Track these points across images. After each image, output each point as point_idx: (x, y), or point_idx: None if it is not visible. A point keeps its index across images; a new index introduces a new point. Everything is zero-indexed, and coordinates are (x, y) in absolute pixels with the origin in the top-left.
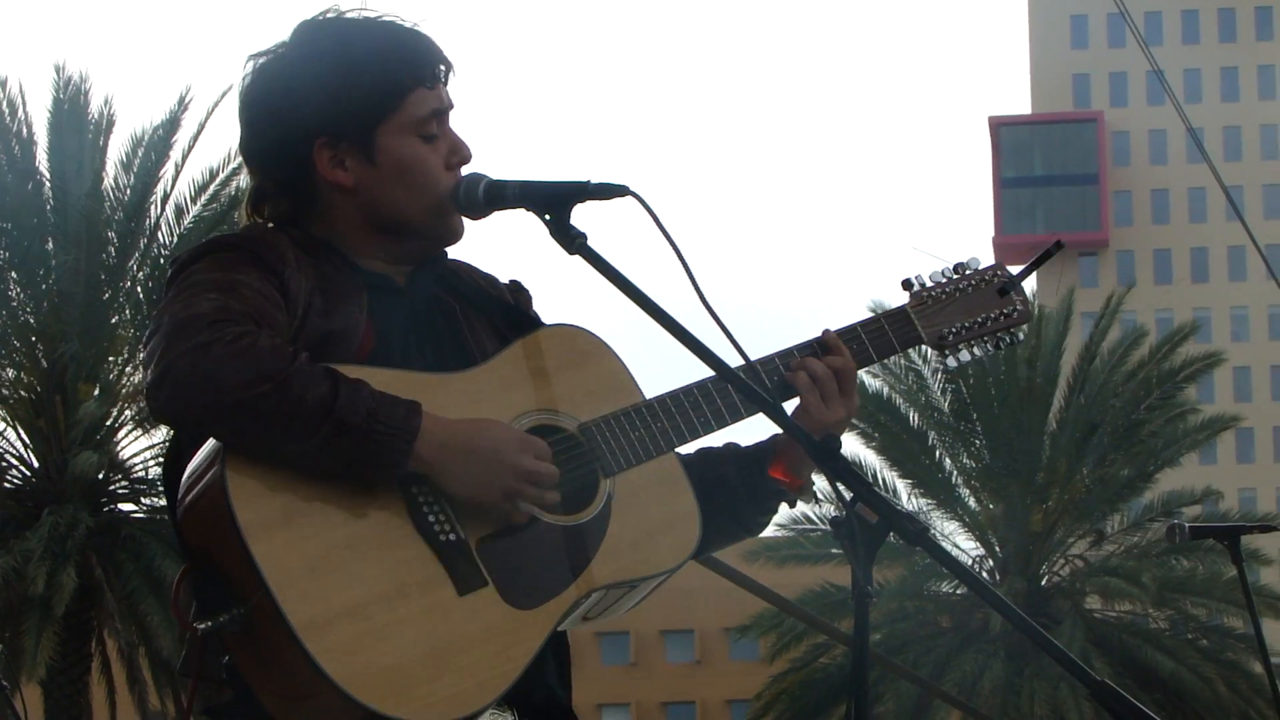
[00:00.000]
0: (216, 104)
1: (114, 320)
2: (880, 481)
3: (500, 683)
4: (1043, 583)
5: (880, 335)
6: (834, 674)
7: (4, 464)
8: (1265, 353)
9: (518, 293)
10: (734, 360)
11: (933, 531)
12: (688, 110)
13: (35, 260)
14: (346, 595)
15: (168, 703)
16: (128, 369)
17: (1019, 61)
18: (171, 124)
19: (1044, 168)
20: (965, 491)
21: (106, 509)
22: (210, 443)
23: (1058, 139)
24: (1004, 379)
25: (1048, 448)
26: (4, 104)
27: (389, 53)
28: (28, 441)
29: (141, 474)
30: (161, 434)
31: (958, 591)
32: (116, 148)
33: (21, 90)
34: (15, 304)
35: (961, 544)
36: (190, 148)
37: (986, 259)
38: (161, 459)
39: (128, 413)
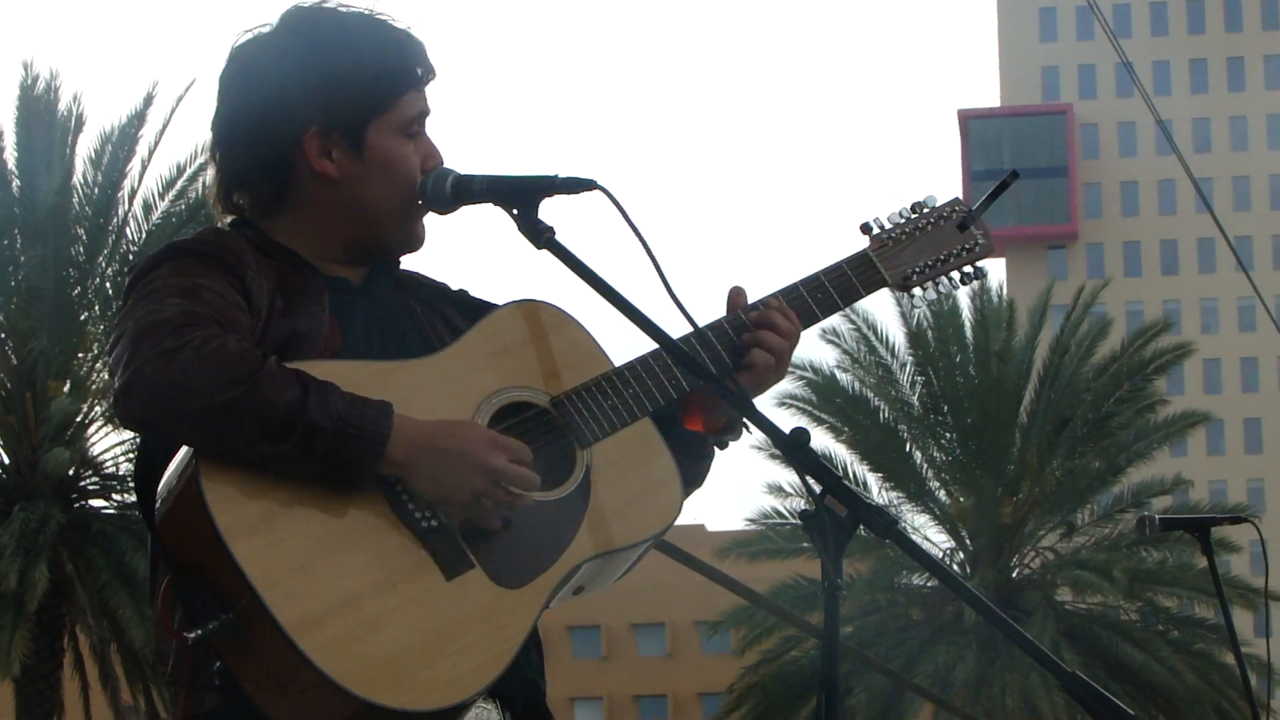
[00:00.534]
0: (181, 99)
1: (83, 317)
2: (851, 475)
3: (497, 663)
4: (1013, 575)
5: (844, 282)
6: (805, 667)
7: None
8: (1235, 345)
9: (465, 296)
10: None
11: (903, 524)
12: (656, 105)
13: (4, 257)
14: (334, 590)
15: (139, 698)
16: (98, 365)
17: (988, 54)
18: (138, 120)
19: (1013, 160)
20: (936, 484)
21: (77, 505)
22: (183, 450)
23: (1027, 132)
24: (974, 372)
25: (1018, 440)
26: None
27: (388, 51)
28: None
29: (112, 470)
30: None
31: (929, 584)
32: (85, 144)
33: None
34: None
35: (932, 537)
36: (156, 144)
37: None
38: (133, 454)
39: (98, 409)
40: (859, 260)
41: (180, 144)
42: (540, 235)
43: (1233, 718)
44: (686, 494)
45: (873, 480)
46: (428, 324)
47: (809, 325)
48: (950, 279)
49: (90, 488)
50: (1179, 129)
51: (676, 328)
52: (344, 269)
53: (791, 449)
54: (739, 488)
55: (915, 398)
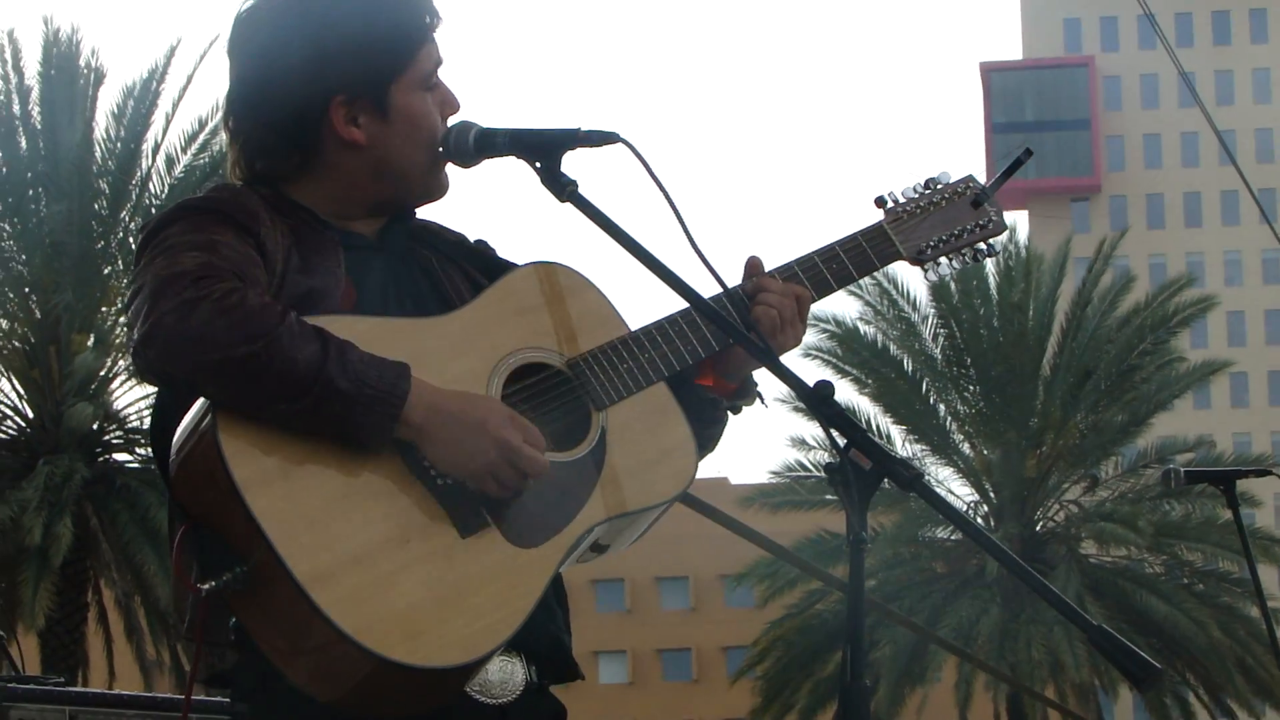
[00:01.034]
0: (204, 54)
1: (107, 271)
2: (875, 428)
3: (510, 622)
4: (1038, 528)
5: (859, 253)
6: (830, 620)
7: None
8: (1259, 297)
9: (485, 250)
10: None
11: (927, 477)
12: (679, 59)
13: (27, 212)
14: (349, 545)
15: (163, 652)
16: (121, 319)
17: (1010, 7)
18: (161, 74)
19: (1035, 113)
20: (960, 438)
21: (101, 459)
22: (200, 401)
23: (1049, 84)
24: (997, 325)
25: (1041, 393)
26: (6, 56)
27: (399, 7)
28: (22, 392)
29: (136, 424)
30: None
31: (953, 537)
32: (107, 99)
33: (14, 42)
34: (8, 255)
35: (956, 490)
36: (180, 98)
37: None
38: None
39: (122, 363)
40: (874, 232)
41: (203, 98)
42: (563, 189)
43: (1256, 672)
44: (700, 458)
45: (896, 433)
46: (445, 279)
47: (824, 295)
48: (963, 255)
49: (114, 442)
50: (1202, 81)
51: (700, 284)
52: (361, 224)
53: (816, 402)
54: (762, 441)
55: (939, 350)
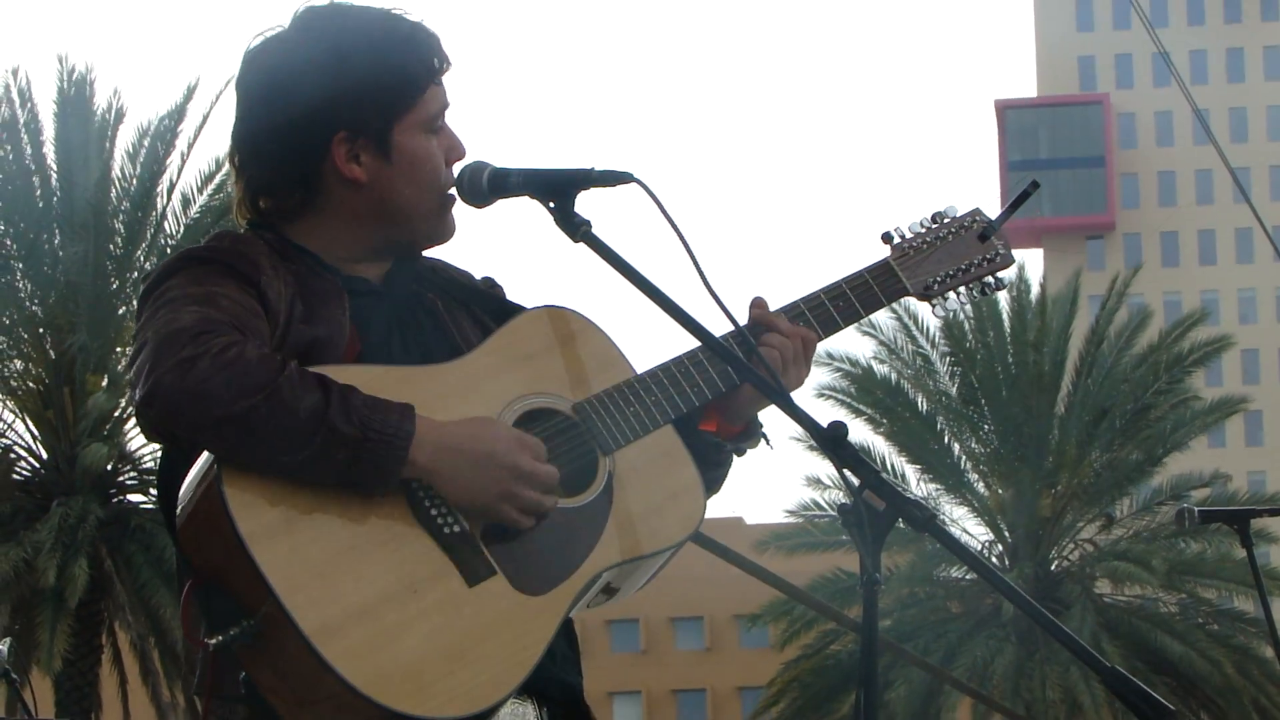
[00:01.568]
0: (220, 94)
1: (121, 311)
2: (889, 468)
3: (518, 672)
4: (1052, 568)
5: (866, 291)
6: (845, 661)
7: (13, 456)
8: (1273, 335)
9: (492, 289)
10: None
11: (941, 517)
12: (691, 98)
13: (42, 251)
14: (356, 597)
15: (178, 695)
16: None
17: (1025, 44)
18: (178, 114)
19: (1050, 150)
20: (974, 477)
21: (116, 500)
22: (204, 456)
23: (1064, 121)
24: (1012, 363)
25: (1056, 432)
26: (14, 95)
27: (406, 49)
28: (36, 433)
29: (151, 465)
30: None
31: (968, 577)
32: (123, 138)
33: (28, 81)
34: (23, 295)
35: (971, 529)
36: (195, 138)
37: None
38: None
39: None
40: (880, 269)
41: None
42: (577, 228)
43: (1271, 713)
44: (706, 499)
45: (911, 472)
46: (451, 323)
47: (831, 333)
48: (970, 289)
49: (129, 483)
50: (1216, 118)
51: (715, 324)
52: (366, 267)
53: (830, 443)
54: (777, 480)
55: (953, 389)
